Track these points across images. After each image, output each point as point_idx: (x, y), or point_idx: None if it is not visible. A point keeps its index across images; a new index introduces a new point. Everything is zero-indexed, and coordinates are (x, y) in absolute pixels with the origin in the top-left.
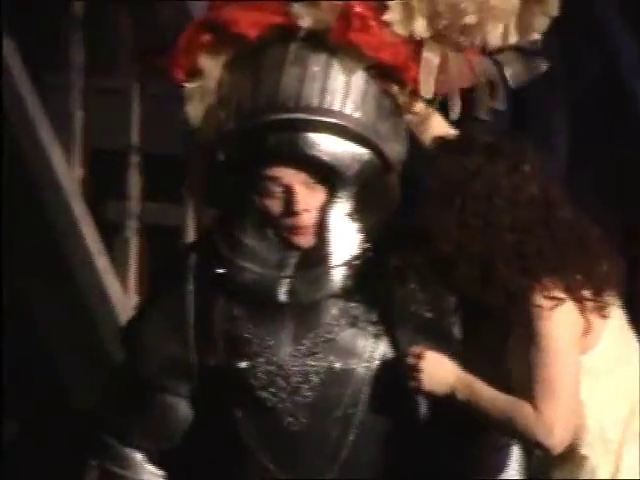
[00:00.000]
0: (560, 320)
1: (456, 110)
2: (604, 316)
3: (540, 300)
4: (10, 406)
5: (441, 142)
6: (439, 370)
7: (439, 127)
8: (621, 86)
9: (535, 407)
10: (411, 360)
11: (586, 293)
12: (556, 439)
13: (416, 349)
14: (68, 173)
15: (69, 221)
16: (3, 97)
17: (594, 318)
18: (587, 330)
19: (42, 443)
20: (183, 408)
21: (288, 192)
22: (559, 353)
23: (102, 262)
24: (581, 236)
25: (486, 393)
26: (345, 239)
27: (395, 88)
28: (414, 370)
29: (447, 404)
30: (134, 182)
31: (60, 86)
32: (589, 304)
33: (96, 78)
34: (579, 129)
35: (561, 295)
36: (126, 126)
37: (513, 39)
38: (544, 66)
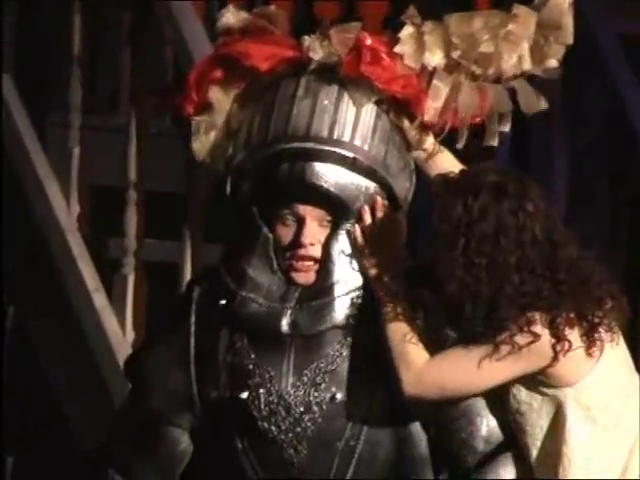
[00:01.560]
0: (520, 358)
1: (463, 140)
2: (590, 355)
3: (517, 336)
4: (10, 442)
5: (446, 181)
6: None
7: (447, 163)
8: (626, 130)
9: (424, 363)
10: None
11: (573, 331)
12: (410, 391)
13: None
14: (66, 210)
15: (67, 257)
16: (3, 134)
17: (580, 354)
18: (552, 364)
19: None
20: (185, 441)
21: (299, 223)
22: (490, 371)
23: (99, 299)
24: (583, 277)
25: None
26: (349, 271)
27: (406, 122)
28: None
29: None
30: (132, 219)
31: (59, 124)
32: (576, 342)
33: (95, 116)
34: (581, 172)
35: (539, 330)
36: (124, 163)
37: (528, 67)
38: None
